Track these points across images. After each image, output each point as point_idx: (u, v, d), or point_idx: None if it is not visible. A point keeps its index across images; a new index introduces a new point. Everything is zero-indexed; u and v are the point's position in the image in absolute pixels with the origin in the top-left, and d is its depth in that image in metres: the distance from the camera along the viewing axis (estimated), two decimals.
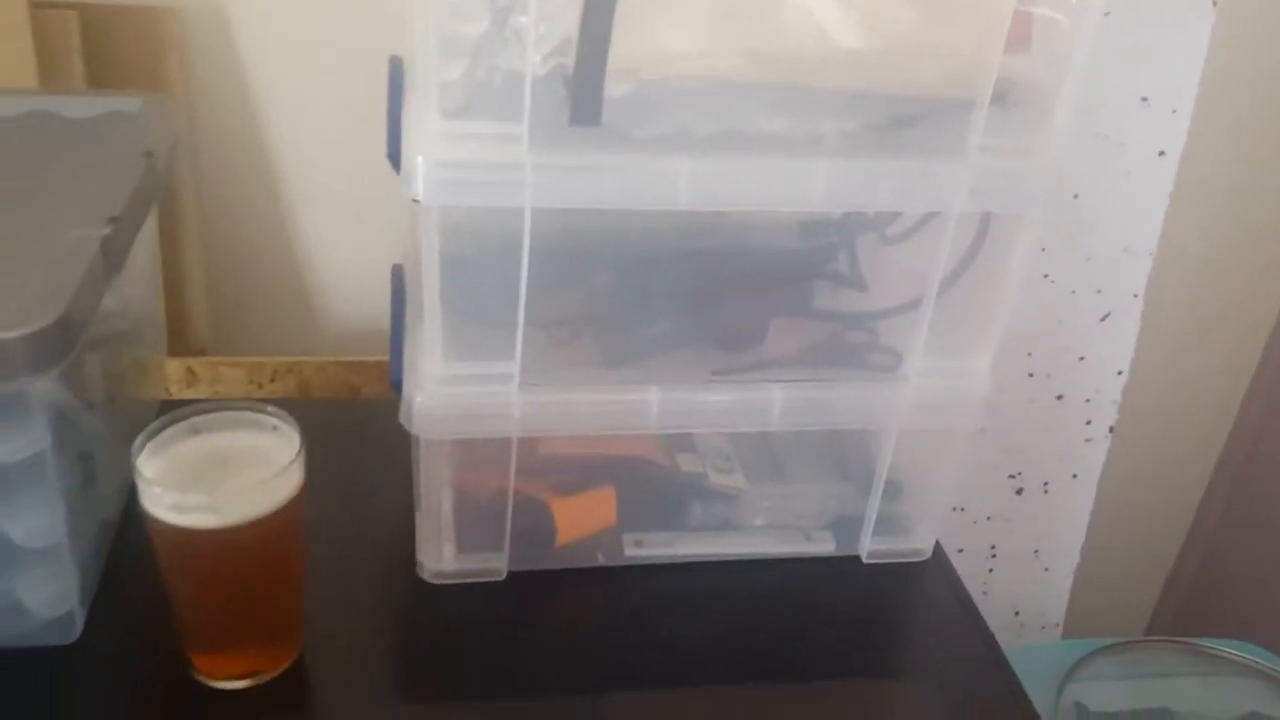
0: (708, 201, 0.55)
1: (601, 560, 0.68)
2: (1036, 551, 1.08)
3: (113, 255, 0.54)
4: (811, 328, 0.66)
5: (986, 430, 1.01)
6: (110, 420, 0.63)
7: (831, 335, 0.66)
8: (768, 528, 0.70)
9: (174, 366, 0.88)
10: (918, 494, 0.71)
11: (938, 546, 0.72)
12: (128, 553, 0.64)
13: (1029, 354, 1.01)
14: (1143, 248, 0.98)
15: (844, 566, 0.70)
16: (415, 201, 0.53)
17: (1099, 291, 0.99)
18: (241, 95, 0.87)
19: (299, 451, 0.54)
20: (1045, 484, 1.06)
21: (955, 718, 0.61)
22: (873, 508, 0.69)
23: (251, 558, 0.54)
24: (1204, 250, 1.08)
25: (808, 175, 0.56)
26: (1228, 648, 0.99)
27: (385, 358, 0.67)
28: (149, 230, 0.70)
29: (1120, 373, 1.02)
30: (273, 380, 0.91)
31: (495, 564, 0.65)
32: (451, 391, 0.59)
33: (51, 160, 0.63)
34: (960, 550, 1.06)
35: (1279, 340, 1.15)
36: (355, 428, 0.79)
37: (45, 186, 0.60)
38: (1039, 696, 0.91)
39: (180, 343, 0.91)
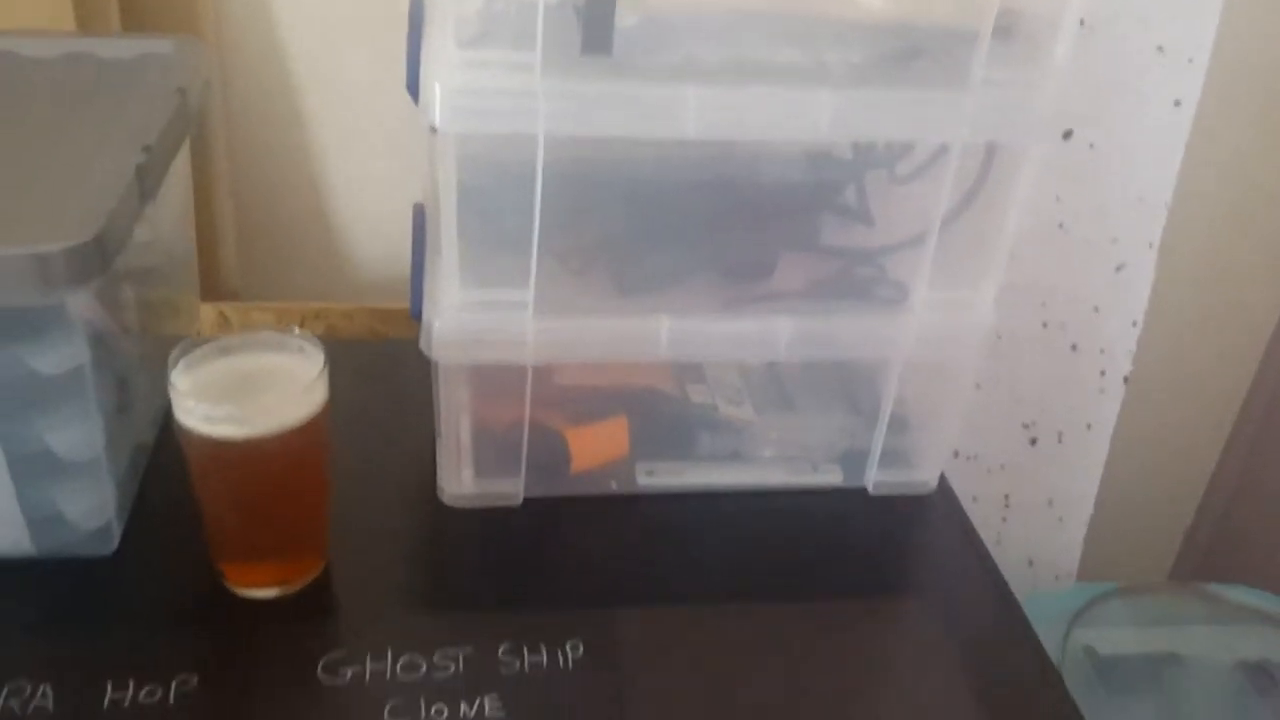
0: (715, 131, 0.57)
1: (615, 488, 0.70)
2: (1050, 501, 1.09)
3: (147, 181, 0.57)
4: (819, 261, 0.68)
5: (1000, 379, 1.02)
6: (146, 351, 0.66)
7: (838, 269, 0.68)
8: (776, 459, 0.72)
9: (206, 310, 0.91)
10: (923, 428, 0.72)
11: (942, 480, 0.74)
12: (162, 475, 0.67)
13: (1043, 304, 1.02)
14: (1158, 198, 0.99)
15: (850, 498, 0.72)
16: (433, 130, 0.55)
17: (1114, 241, 1.00)
18: (271, 40, 0.90)
19: (323, 369, 0.57)
20: (1059, 434, 1.07)
21: (957, 638, 0.63)
22: (879, 440, 0.71)
23: (276, 469, 0.56)
24: (1220, 201, 1.09)
25: (813, 105, 0.57)
26: (1241, 594, 1.01)
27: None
28: (181, 166, 0.73)
29: (1135, 323, 1.03)
30: (301, 325, 0.94)
31: (512, 489, 0.68)
32: (468, 318, 0.61)
33: (88, 98, 0.65)
34: (974, 499, 1.07)
35: None
36: (381, 364, 0.82)
37: (82, 122, 0.62)
38: (1048, 639, 0.93)
39: (212, 287, 0.94)
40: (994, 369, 1.03)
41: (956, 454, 1.05)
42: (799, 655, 0.61)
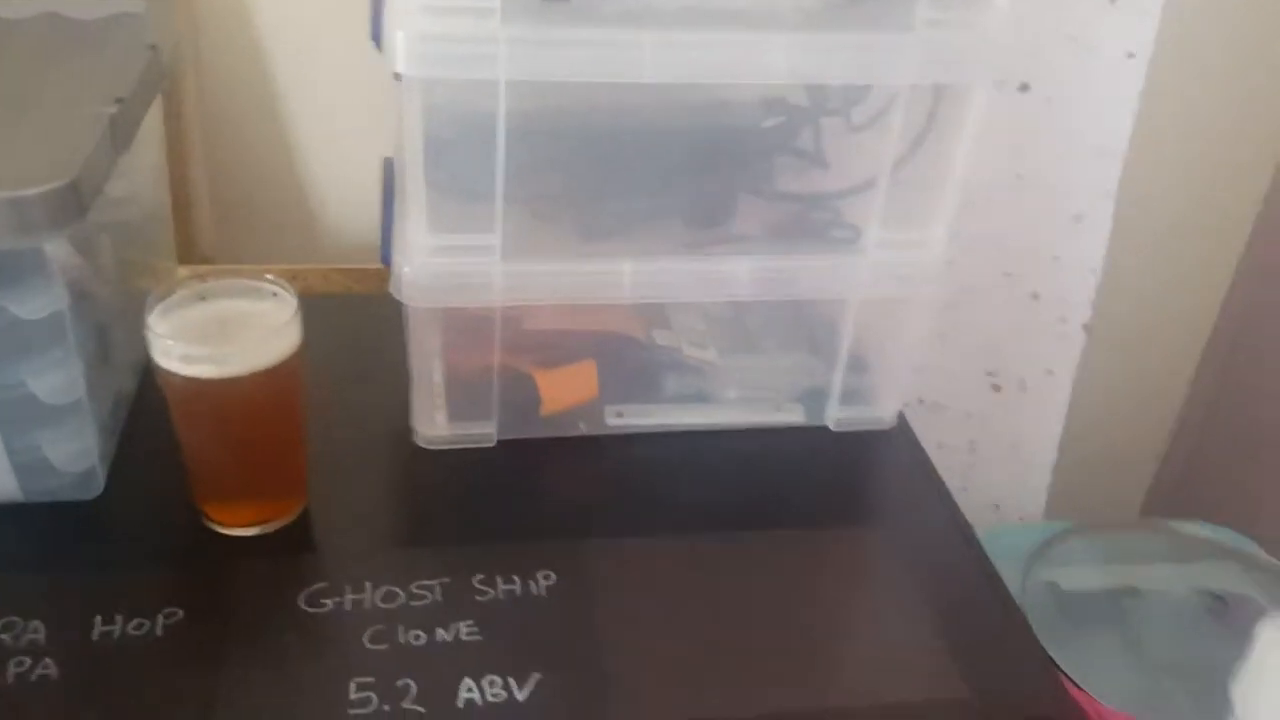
0: (671, 74, 0.59)
1: (584, 429, 0.72)
2: (1015, 447, 1.12)
3: (121, 131, 0.58)
4: (776, 205, 0.70)
5: (963, 328, 1.05)
6: (123, 306, 0.67)
7: (795, 212, 0.70)
8: (740, 399, 0.74)
9: (182, 274, 0.93)
10: (881, 366, 0.75)
11: (902, 420, 0.77)
12: (144, 424, 0.69)
13: (1004, 254, 1.04)
14: (1114, 149, 1.01)
15: (812, 435, 0.75)
16: (397, 77, 0.57)
17: (1072, 192, 1.03)
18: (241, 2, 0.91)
19: (295, 311, 0.59)
20: (1022, 381, 1.10)
21: (917, 570, 0.66)
22: (839, 379, 0.73)
23: (254, 409, 0.58)
24: (1177, 151, 1.11)
25: (765, 49, 0.60)
26: (1200, 529, 1.04)
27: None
28: (154, 124, 0.74)
29: (1093, 271, 1.06)
30: None
31: (484, 431, 0.70)
32: (436, 262, 0.63)
33: (61, 56, 0.67)
34: (939, 446, 1.10)
35: (1259, 238, 1.19)
36: (355, 316, 0.84)
37: (56, 78, 0.64)
38: (1009, 575, 0.96)
39: (188, 251, 0.95)
40: (956, 318, 1.05)
41: (922, 401, 1.08)
42: (762, 584, 0.64)
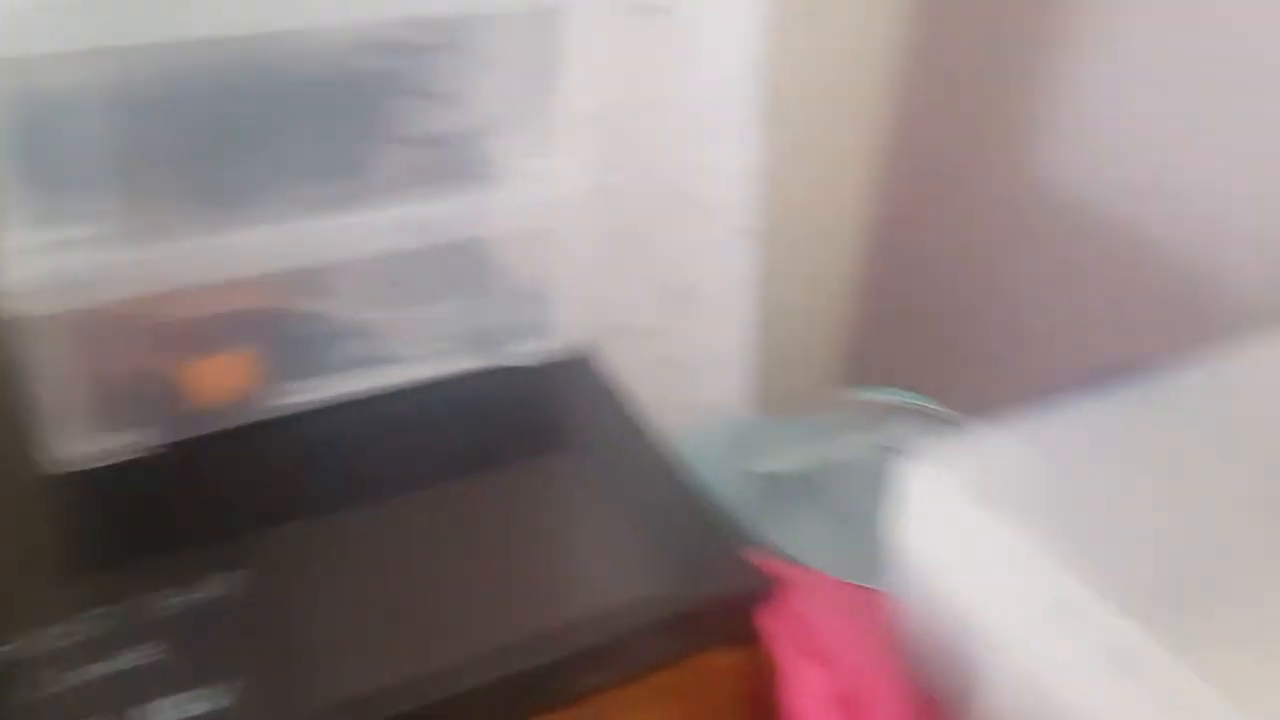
0: (241, 23, 0.56)
1: (253, 416, 0.68)
2: (709, 354, 1.17)
3: None
4: (410, 150, 0.68)
5: (635, 248, 1.07)
6: None
7: (430, 155, 0.68)
8: (415, 355, 0.73)
9: None
10: (554, 297, 0.75)
11: (588, 346, 0.78)
12: None
13: (668, 171, 1.07)
14: (752, 61, 1.06)
15: (497, 376, 0.74)
16: None
17: (722, 108, 1.06)
18: None
19: None
20: (705, 290, 1.14)
21: (612, 484, 0.67)
22: (511, 316, 0.73)
23: None
24: (817, 58, 1.18)
25: None
26: (887, 395, 1.12)
27: None
28: None
29: (753, 178, 1.11)
30: None
31: (137, 439, 0.65)
32: (45, 261, 0.58)
33: None
34: (631, 366, 1.13)
35: (897, 125, 1.28)
36: None
37: None
38: (720, 472, 1.00)
39: None
40: (632, 240, 1.08)
41: (609, 325, 1.09)
42: (463, 533, 0.63)
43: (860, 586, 0.66)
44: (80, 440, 0.64)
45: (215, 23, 0.55)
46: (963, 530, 0.52)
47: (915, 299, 1.38)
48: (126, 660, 0.54)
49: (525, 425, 0.72)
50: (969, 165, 1.26)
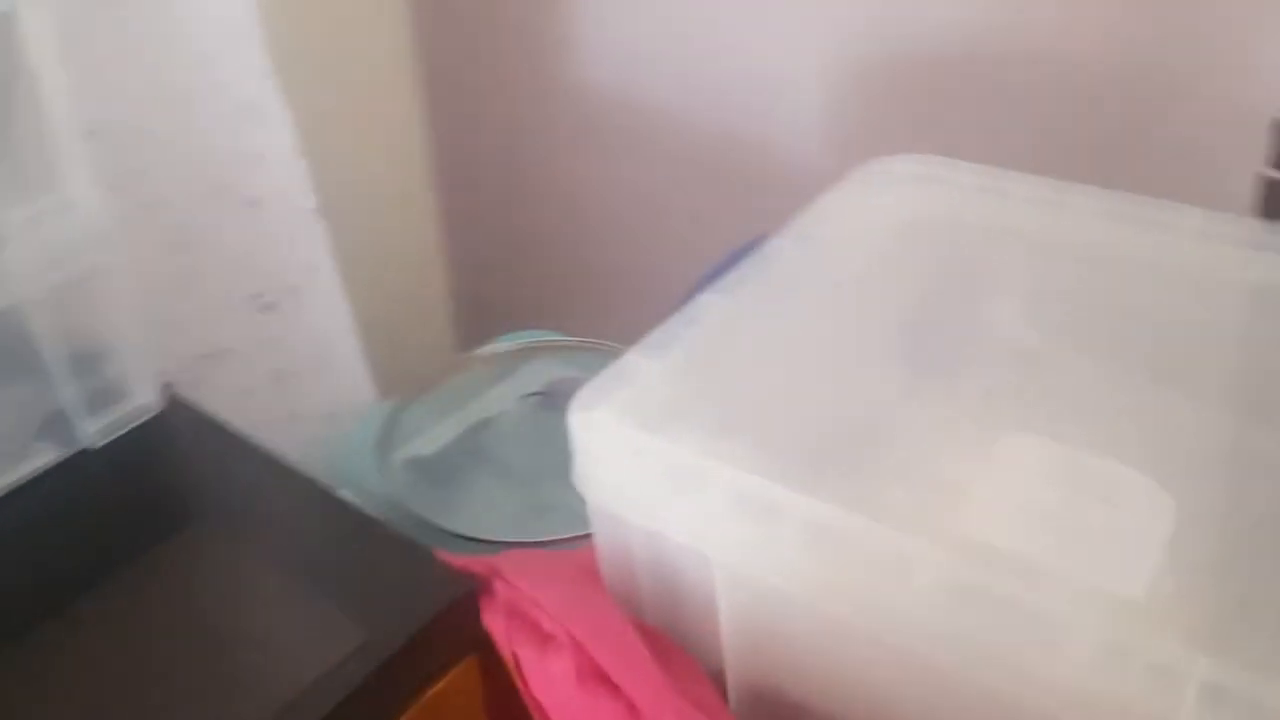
0: None
1: None
2: (317, 353, 1.08)
3: None
4: None
5: (204, 264, 0.96)
6: None
7: None
8: None
9: None
10: (113, 352, 0.64)
11: (171, 389, 0.67)
12: None
13: (208, 167, 0.96)
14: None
15: (84, 462, 0.62)
16: None
17: (236, 87, 0.96)
18: None
19: None
20: (292, 288, 1.04)
21: (276, 538, 0.58)
22: (72, 391, 0.61)
23: None
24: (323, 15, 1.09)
25: None
26: (519, 339, 1.09)
27: None
28: None
29: (297, 156, 1.01)
30: None
31: None
32: None
33: None
34: (241, 392, 1.01)
35: (437, 63, 1.23)
36: None
37: None
38: (367, 471, 0.92)
39: None
40: (192, 256, 0.96)
41: (202, 356, 0.97)
42: (124, 645, 0.52)
43: (563, 549, 0.63)
44: None
45: None
46: (639, 458, 0.50)
47: (511, 239, 1.36)
48: None
49: (145, 504, 0.61)
50: (520, 88, 1.25)
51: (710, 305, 0.58)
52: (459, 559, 0.57)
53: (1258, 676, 0.36)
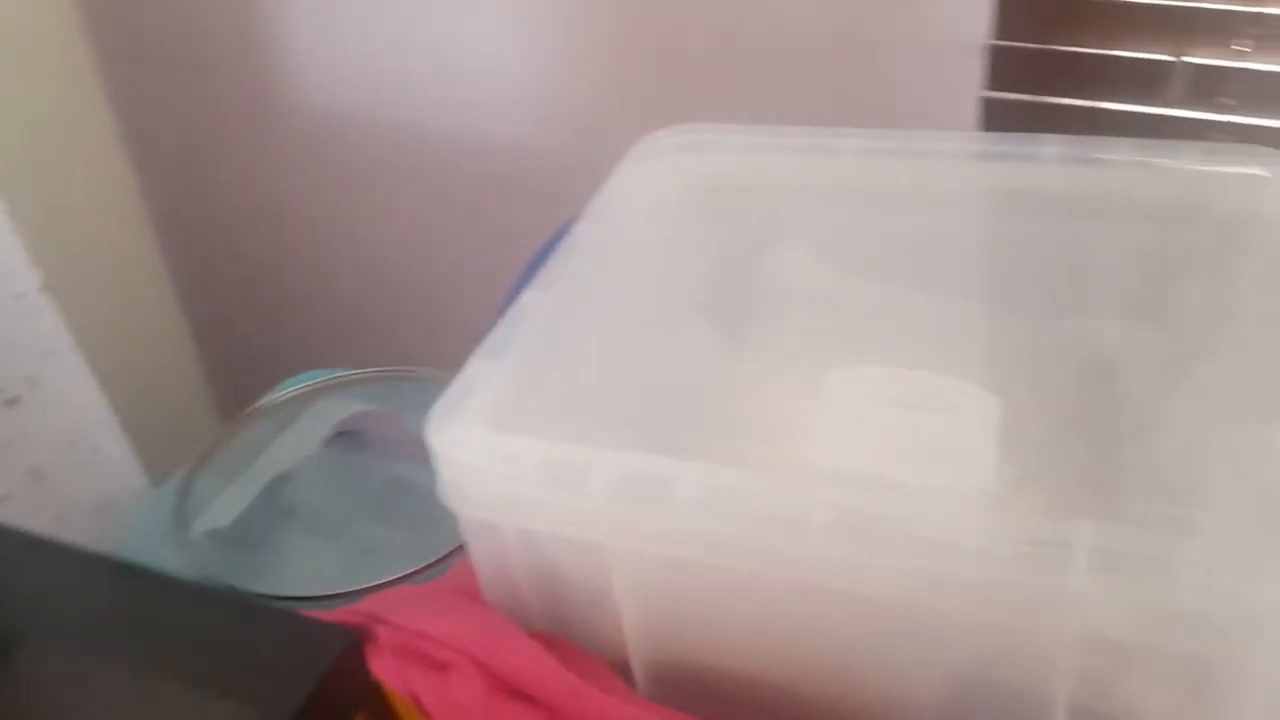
0: None
1: None
2: (71, 444, 0.98)
3: None
4: None
5: None
6: None
7: None
8: None
9: None
10: None
11: None
12: None
13: None
14: None
15: None
16: None
17: None
18: None
19: None
20: (29, 379, 0.94)
21: (105, 644, 0.52)
22: None
23: None
24: None
25: None
26: (284, 393, 1.03)
27: None
28: None
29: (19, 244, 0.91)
30: None
31: None
32: None
33: None
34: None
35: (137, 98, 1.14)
36: None
37: None
38: (171, 552, 0.85)
39: None
40: None
41: None
42: None
43: (432, 578, 0.60)
44: None
45: None
46: (513, 463, 0.49)
47: (259, 285, 1.28)
48: None
49: None
50: (230, 122, 1.18)
51: (534, 302, 0.57)
52: (329, 614, 0.53)
53: (1138, 530, 0.40)
